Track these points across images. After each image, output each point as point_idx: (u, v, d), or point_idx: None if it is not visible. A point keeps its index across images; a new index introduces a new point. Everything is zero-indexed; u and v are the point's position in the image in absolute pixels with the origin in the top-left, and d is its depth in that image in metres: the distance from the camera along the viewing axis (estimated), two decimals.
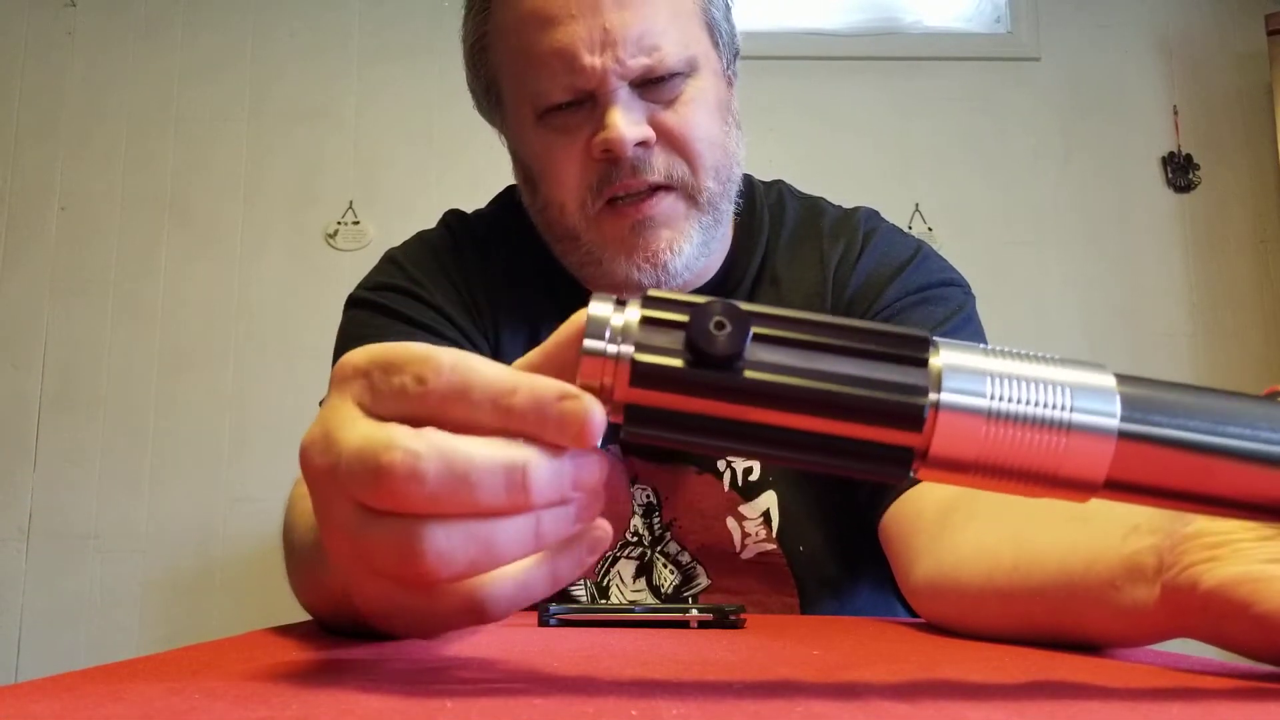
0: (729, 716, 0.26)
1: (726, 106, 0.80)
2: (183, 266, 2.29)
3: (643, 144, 0.73)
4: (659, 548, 0.82)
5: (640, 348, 0.29)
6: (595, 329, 0.30)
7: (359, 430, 0.31)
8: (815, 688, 0.31)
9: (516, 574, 0.33)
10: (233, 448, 2.22)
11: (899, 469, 0.30)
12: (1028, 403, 0.29)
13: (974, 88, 2.41)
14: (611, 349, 0.30)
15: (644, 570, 0.82)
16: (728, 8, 0.81)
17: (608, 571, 0.82)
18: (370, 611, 0.35)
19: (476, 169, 2.23)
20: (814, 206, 0.89)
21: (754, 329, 0.29)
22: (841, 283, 0.83)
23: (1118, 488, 0.30)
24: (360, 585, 0.34)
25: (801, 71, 2.39)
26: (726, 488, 0.80)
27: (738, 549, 0.80)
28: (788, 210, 0.88)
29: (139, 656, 0.39)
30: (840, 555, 0.81)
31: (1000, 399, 0.29)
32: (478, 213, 0.92)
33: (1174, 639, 0.39)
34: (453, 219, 0.91)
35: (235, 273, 2.29)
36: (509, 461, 0.30)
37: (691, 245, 0.76)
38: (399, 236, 0.92)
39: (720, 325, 0.29)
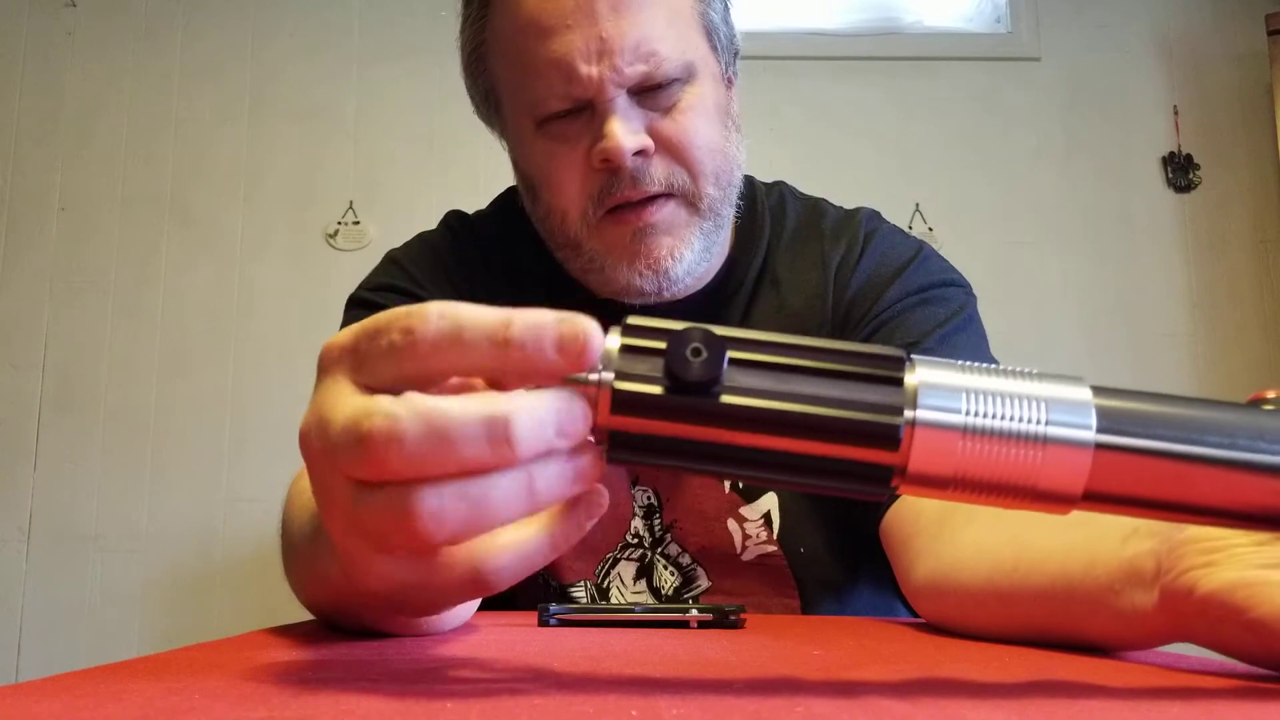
0: (729, 716, 0.26)
1: (726, 110, 0.80)
2: (183, 266, 2.29)
3: (641, 153, 0.73)
4: (659, 549, 0.82)
5: (620, 375, 0.30)
6: None
7: (349, 405, 0.31)
8: (815, 688, 0.31)
9: (515, 542, 0.32)
10: (233, 448, 2.22)
11: (879, 487, 0.30)
12: (1003, 417, 0.30)
13: (974, 88, 2.41)
14: (593, 376, 0.30)
15: (644, 572, 0.82)
16: (726, 9, 0.81)
17: (608, 573, 0.82)
18: (374, 593, 0.35)
19: (477, 169, 2.23)
20: (815, 207, 0.89)
21: (730, 353, 0.30)
22: (843, 284, 0.83)
23: (1097, 499, 0.30)
24: (362, 566, 0.34)
25: (802, 71, 2.39)
26: (727, 489, 0.80)
27: (738, 550, 0.80)
28: (789, 211, 0.88)
29: (139, 656, 0.39)
30: (841, 557, 0.81)
31: (976, 414, 0.30)
32: (479, 213, 0.92)
33: (1173, 643, 0.39)
34: (454, 220, 0.91)
35: (235, 273, 2.29)
36: (489, 414, 0.30)
37: (693, 251, 0.76)
38: (399, 236, 0.92)
39: (696, 351, 0.29)
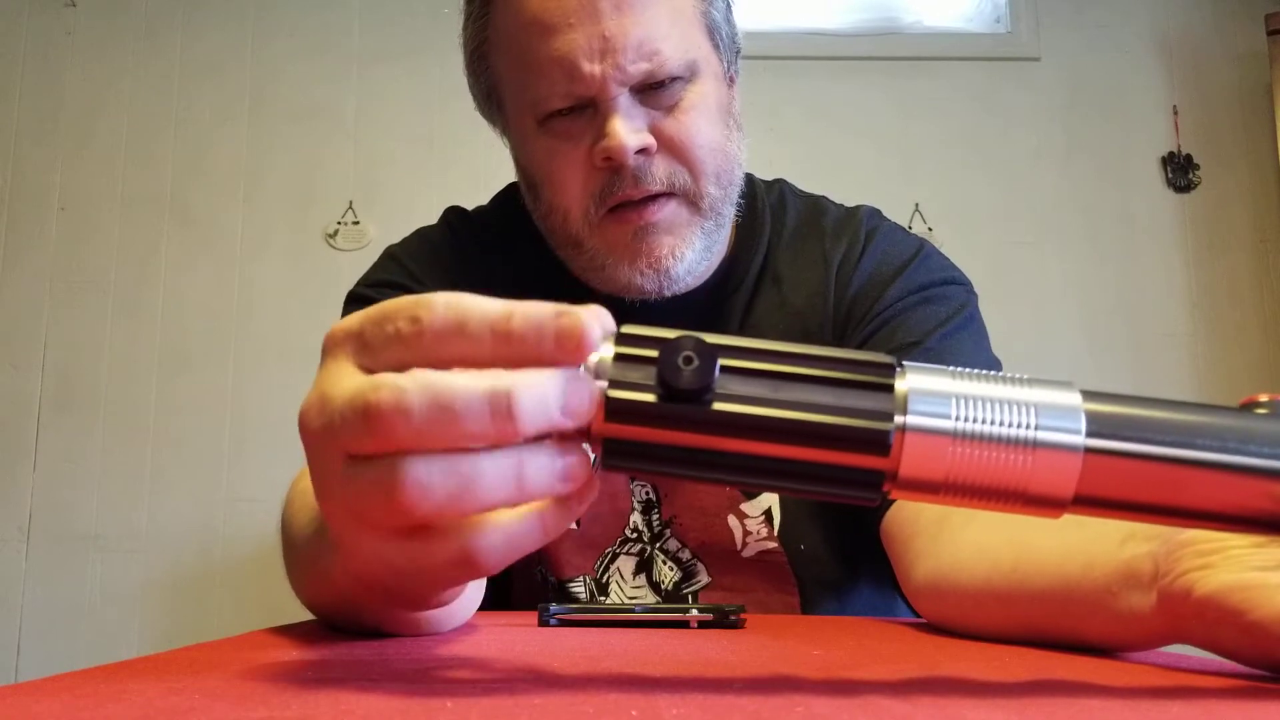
0: (729, 716, 0.26)
1: (727, 109, 0.80)
2: (183, 266, 2.29)
3: (643, 151, 0.73)
4: (659, 544, 0.82)
5: (614, 384, 0.30)
6: None
7: (352, 382, 0.32)
8: (815, 688, 0.31)
9: (506, 524, 0.32)
10: (233, 448, 2.22)
11: (870, 492, 0.31)
12: (993, 422, 0.30)
13: (974, 88, 2.41)
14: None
15: (644, 566, 0.82)
16: (728, 8, 0.81)
17: (607, 568, 0.82)
18: (367, 577, 0.35)
19: (476, 169, 2.23)
20: (816, 205, 0.89)
21: (722, 361, 0.30)
22: (844, 282, 0.83)
23: (1088, 503, 0.31)
24: (354, 547, 0.34)
25: (802, 71, 2.39)
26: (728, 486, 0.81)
27: (739, 547, 0.80)
28: (789, 209, 0.88)
29: (139, 656, 0.39)
30: (841, 554, 0.81)
31: (966, 420, 0.30)
32: (479, 210, 0.92)
33: (1171, 645, 0.39)
34: (454, 216, 0.91)
35: (235, 273, 2.29)
36: (493, 389, 0.30)
37: (694, 251, 0.77)
38: (399, 236, 0.92)
39: (688, 360, 0.30)
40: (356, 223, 2.31)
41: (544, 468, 0.31)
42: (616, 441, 0.31)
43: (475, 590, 0.53)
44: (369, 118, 2.36)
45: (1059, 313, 2.32)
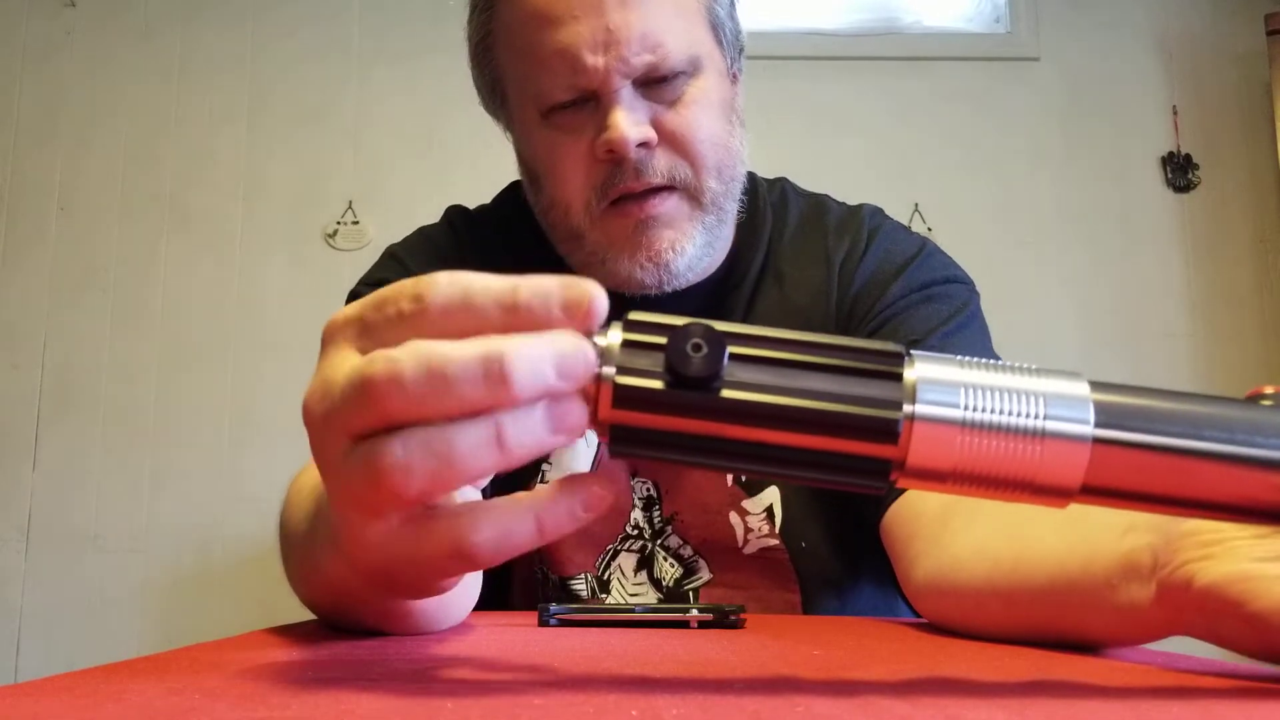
0: (729, 716, 0.26)
1: (730, 105, 0.80)
2: (183, 266, 2.29)
3: (645, 144, 0.73)
4: (659, 541, 0.82)
5: (622, 370, 0.30)
6: None
7: (351, 364, 0.32)
8: (815, 688, 0.31)
9: (500, 518, 0.32)
10: (233, 447, 2.22)
11: (878, 480, 0.31)
12: (1002, 412, 0.30)
13: (973, 88, 2.41)
14: (595, 371, 0.30)
15: (645, 563, 0.82)
16: (732, 4, 0.81)
17: (608, 565, 0.82)
18: (366, 566, 0.35)
19: (476, 169, 2.22)
20: (818, 204, 0.89)
21: (731, 348, 0.30)
22: (846, 280, 0.83)
23: (1095, 493, 0.31)
24: (353, 535, 0.34)
25: (801, 71, 2.39)
26: (730, 483, 0.81)
27: (740, 544, 0.80)
28: (791, 207, 0.88)
29: (139, 656, 0.39)
30: (842, 552, 0.81)
31: (974, 409, 0.30)
32: (481, 209, 0.93)
33: (1172, 637, 0.39)
34: (455, 214, 0.92)
35: (235, 273, 2.29)
36: (485, 352, 0.30)
37: (694, 245, 0.77)
38: (399, 236, 0.92)
39: (697, 347, 0.30)
40: (356, 223, 2.31)
41: (527, 425, 0.30)
42: (624, 428, 0.31)
43: (472, 586, 0.53)
44: (369, 118, 2.36)
45: (1058, 313, 2.32)
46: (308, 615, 0.56)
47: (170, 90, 2.36)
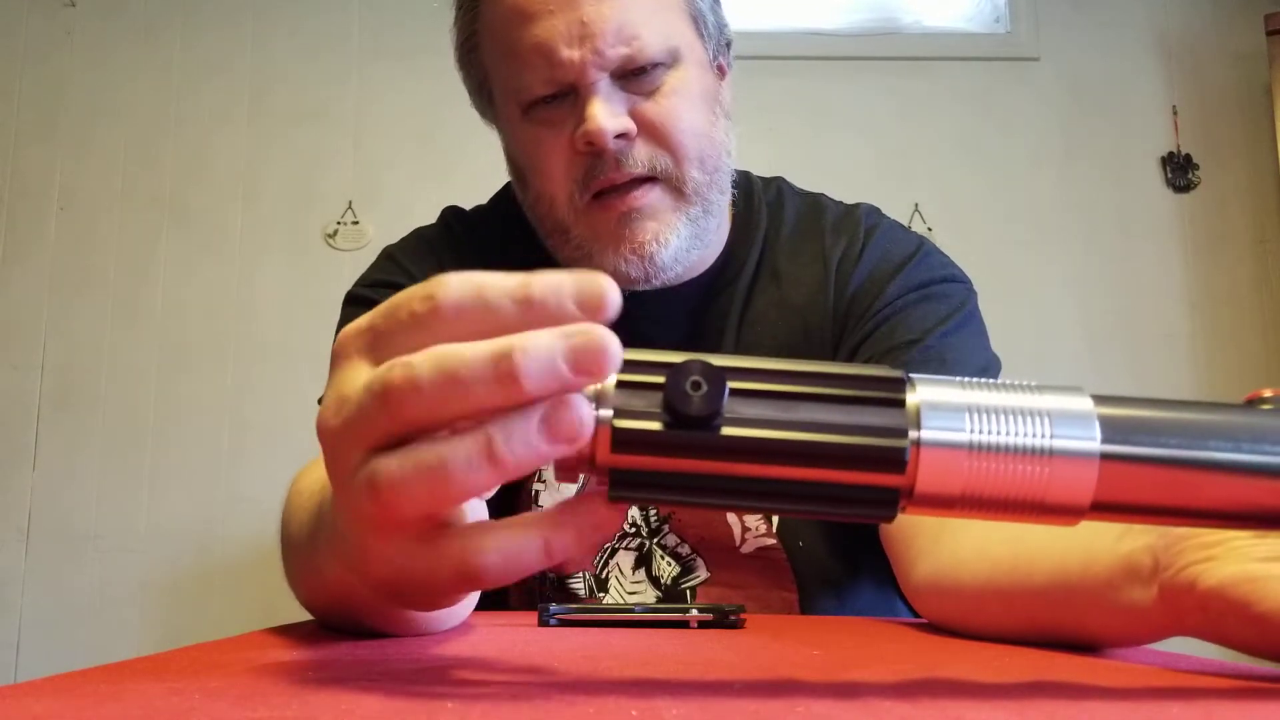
0: (729, 716, 0.26)
1: (713, 97, 0.80)
2: (183, 266, 2.29)
3: (623, 135, 0.74)
4: (657, 539, 0.82)
5: (619, 413, 0.29)
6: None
7: (367, 376, 0.31)
8: (815, 688, 0.31)
9: (506, 542, 0.32)
10: (232, 448, 2.22)
11: (886, 510, 0.30)
12: (1008, 433, 0.29)
13: (973, 88, 2.40)
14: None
15: (643, 561, 0.82)
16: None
17: (606, 563, 0.82)
18: (374, 578, 0.34)
19: (476, 169, 2.21)
20: (815, 203, 0.89)
21: (731, 384, 0.29)
22: (844, 280, 0.83)
23: (1105, 509, 0.30)
24: (363, 549, 0.34)
25: (801, 71, 2.39)
26: None
27: (737, 543, 0.80)
28: (787, 206, 0.88)
29: (139, 656, 0.39)
30: (840, 552, 0.81)
31: (980, 431, 0.29)
32: (477, 209, 0.93)
33: (1173, 637, 0.39)
34: (451, 215, 0.92)
35: (235, 273, 2.29)
36: (494, 350, 0.29)
37: (679, 237, 0.77)
38: (398, 236, 0.92)
39: (696, 385, 0.29)
40: (356, 223, 2.31)
41: (518, 434, 0.29)
42: (624, 472, 0.30)
43: None
44: (369, 118, 2.36)
45: (1058, 313, 2.32)
46: (307, 615, 0.56)
47: (170, 90, 2.36)
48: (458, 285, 0.31)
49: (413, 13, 2.37)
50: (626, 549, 0.82)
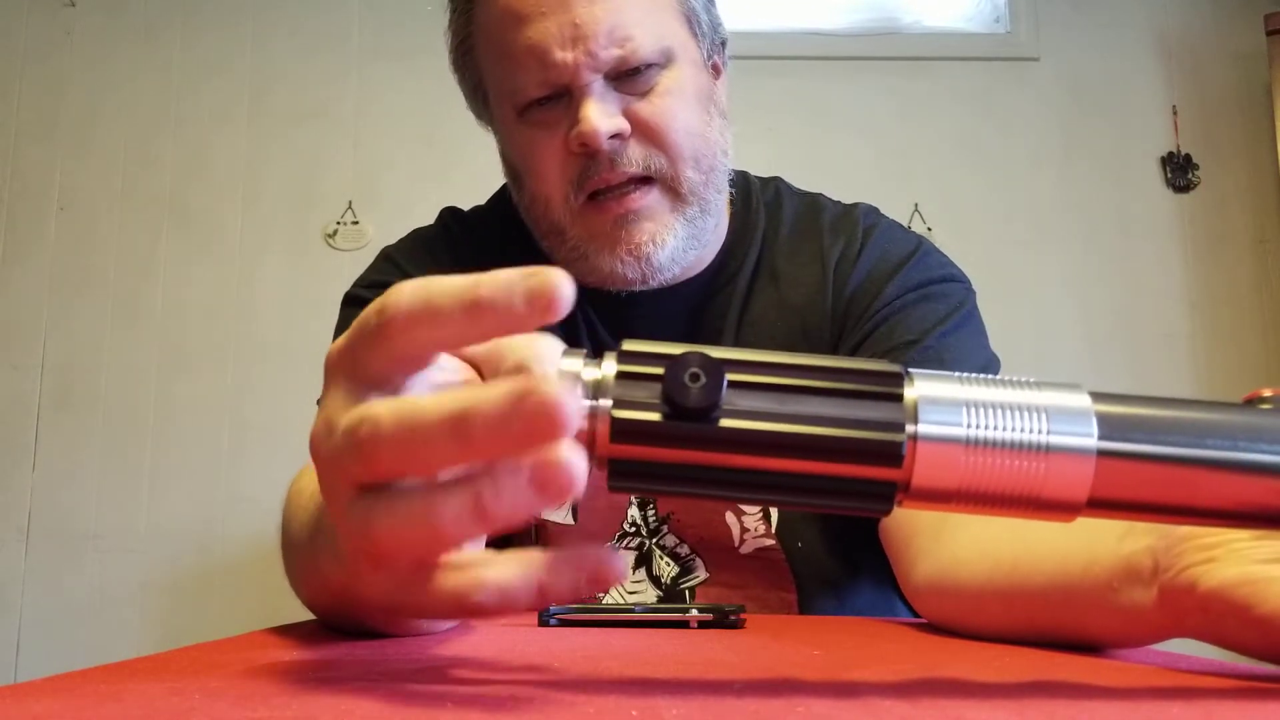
0: (729, 716, 0.26)
1: (708, 97, 0.80)
2: (182, 266, 2.29)
3: (617, 136, 0.74)
4: (656, 539, 0.82)
5: (619, 403, 0.30)
6: (567, 384, 0.29)
7: (346, 413, 0.31)
8: (815, 688, 0.31)
9: (500, 582, 0.31)
10: (232, 448, 2.22)
11: (883, 504, 0.30)
12: (1005, 428, 0.30)
13: (973, 88, 2.41)
14: (588, 403, 0.30)
15: (643, 560, 0.82)
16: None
17: None
18: (370, 601, 0.35)
19: (476, 169, 2.21)
20: (813, 203, 0.89)
21: (729, 376, 0.30)
22: (842, 280, 0.83)
23: (1102, 506, 0.30)
24: (359, 575, 0.34)
25: (801, 71, 2.39)
26: None
27: (736, 544, 0.80)
28: (785, 206, 0.88)
29: (139, 656, 0.39)
30: (839, 553, 0.81)
31: (977, 427, 0.30)
32: (475, 210, 0.93)
33: (1174, 639, 0.39)
34: (449, 216, 0.92)
35: (235, 273, 2.29)
36: (451, 409, 0.29)
37: (676, 238, 0.77)
38: (398, 236, 0.92)
39: (695, 376, 0.29)
40: (356, 223, 2.31)
41: (507, 489, 0.29)
42: (623, 462, 0.30)
43: None
44: (369, 118, 2.36)
45: (1058, 313, 2.32)
46: (308, 615, 0.56)
47: (170, 90, 2.36)
48: (409, 295, 0.31)
49: (413, 13, 2.37)
50: (626, 548, 0.82)
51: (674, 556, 0.81)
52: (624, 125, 0.74)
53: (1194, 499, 0.30)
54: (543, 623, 0.58)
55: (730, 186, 0.84)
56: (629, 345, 0.31)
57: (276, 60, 2.38)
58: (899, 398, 0.30)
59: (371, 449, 0.30)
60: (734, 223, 0.87)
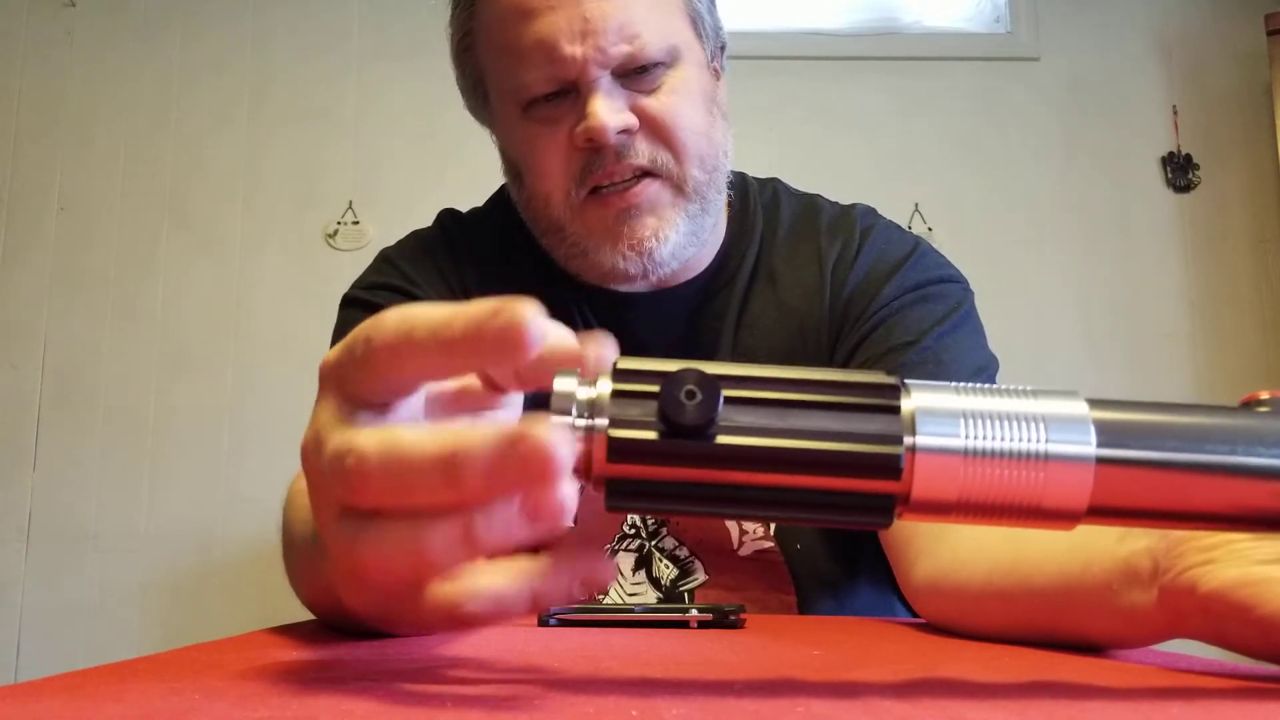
0: (729, 716, 0.26)
1: (711, 97, 0.80)
2: (182, 267, 2.29)
3: (625, 131, 0.74)
4: (655, 541, 0.82)
5: (614, 422, 0.29)
6: (561, 405, 0.30)
7: (336, 434, 0.31)
8: (815, 688, 0.31)
9: (495, 586, 0.31)
10: (232, 448, 2.22)
11: (882, 517, 0.30)
12: (1003, 439, 0.29)
13: (974, 88, 2.41)
14: (583, 423, 0.29)
15: (643, 562, 0.82)
16: (711, 1, 0.82)
17: None
18: (362, 611, 0.35)
19: (476, 169, 2.21)
20: (811, 204, 0.89)
21: (725, 392, 0.29)
22: (840, 281, 0.83)
23: (1102, 513, 0.30)
24: (348, 588, 0.34)
25: (801, 71, 2.39)
26: None
27: (735, 546, 0.80)
28: (783, 207, 0.88)
29: (139, 656, 0.39)
30: (838, 554, 0.81)
31: (975, 437, 0.29)
32: (473, 211, 0.93)
33: (1173, 640, 0.39)
34: (447, 217, 0.92)
35: (235, 273, 2.29)
36: (440, 451, 0.29)
37: (678, 234, 0.77)
38: (398, 236, 0.92)
39: (691, 394, 0.29)
40: (356, 223, 2.31)
41: (498, 519, 0.29)
42: (620, 482, 0.30)
43: None
44: (369, 117, 2.36)
45: (1058, 313, 2.32)
46: (308, 615, 0.56)
47: (170, 90, 2.36)
48: (392, 327, 0.31)
49: (413, 12, 2.37)
50: (626, 550, 0.82)
51: (673, 559, 0.81)
52: (632, 121, 0.74)
53: (1194, 504, 0.30)
54: (543, 623, 0.58)
55: (728, 188, 0.84)
56: (623, 363, 0.30)
57: (276, 60, 2.38)
58: (896, 410, 0.30)
59: (359, 481, 0.30)
60: (732, 224, 0.86)
